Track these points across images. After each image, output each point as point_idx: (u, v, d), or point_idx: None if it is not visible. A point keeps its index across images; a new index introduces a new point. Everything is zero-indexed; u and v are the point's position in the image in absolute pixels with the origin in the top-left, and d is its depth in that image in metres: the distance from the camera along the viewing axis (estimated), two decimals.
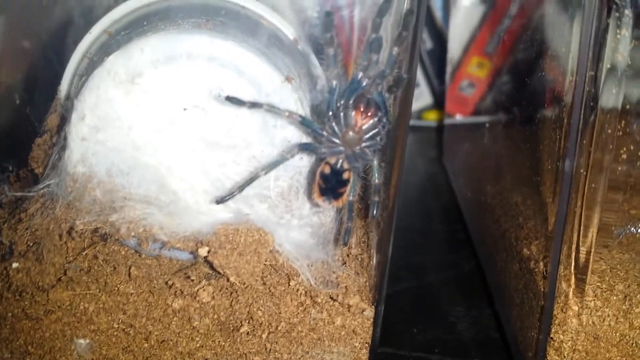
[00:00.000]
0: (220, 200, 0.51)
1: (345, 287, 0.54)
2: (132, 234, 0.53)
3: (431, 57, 1.31)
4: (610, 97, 0.47)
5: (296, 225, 0.56)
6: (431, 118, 1.29)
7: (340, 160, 0.50)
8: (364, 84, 0.49)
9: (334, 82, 0.49)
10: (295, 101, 0.54)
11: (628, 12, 0.44)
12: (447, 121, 1.15)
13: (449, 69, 1.14)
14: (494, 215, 0.74)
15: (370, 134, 0.50)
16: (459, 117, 1.13)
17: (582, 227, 0.50)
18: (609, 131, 0.46)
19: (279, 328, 0.54)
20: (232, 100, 0.49)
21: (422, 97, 1.31)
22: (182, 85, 0.53)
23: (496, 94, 0.90)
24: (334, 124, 0.50)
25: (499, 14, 1.00)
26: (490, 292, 0.75)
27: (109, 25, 0.61)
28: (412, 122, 1.27)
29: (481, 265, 0.80)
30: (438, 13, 1.30)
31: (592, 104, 0.47)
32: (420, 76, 1.31)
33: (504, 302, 0.69)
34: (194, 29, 0.54)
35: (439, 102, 1.28)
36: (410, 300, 0.76)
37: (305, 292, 0.54)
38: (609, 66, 0.46)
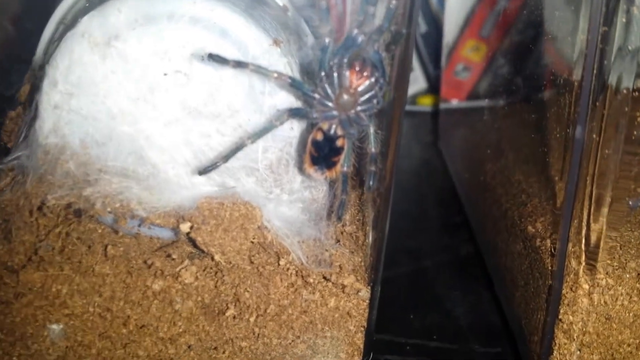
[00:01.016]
0: (202, 171, 0.47)
1: (339, 266, 0.50)
2: (108, 209, 0.49)
3: (425, 41, 1.28)
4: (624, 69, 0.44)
5: (286, 200, 0.52)
6: (426, 103, 1.26)
7: (334, 126, 0.47)
8: (359, 40, 0.45)
9: (327, 39, 0.45)
10: (285, 66, 0.50)
11: None
12: (443, 105, 1.12)
13: (444, 52, 1.11)
14: (494, 195, 0.71)
15: (366, 96, 0.46)
16: (455, 102, 1.11)
17: (593, 199, 0.46)
18: (624, 92, 0.42)
19: (268, 311, 0.50)
20: (214, 58, 0.45)
21: (416, 82, 1.28)
22: (163, 48, 0.49)
23: (495, 74, 0.88)
24: (326, 85, 0.46)
25: None
26: (489, 276, 0.72)
27: None
28: (406, 107, 1.28)
29: (479, 248, 0.78)
30: None
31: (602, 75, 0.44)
32: (414, 61, 1.28)
33: (505, 285, 0.66)
34: None
35: (433, 87, 1.26)
36: (406, 285, 0.74)
37: (296, 272, 0.50)
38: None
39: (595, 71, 0.43)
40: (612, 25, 0.44)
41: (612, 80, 0.45)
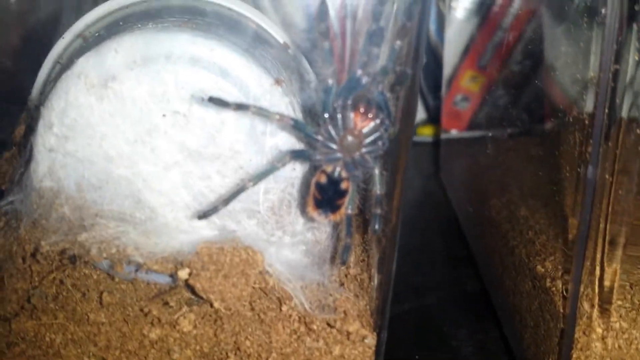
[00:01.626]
0: (202, 215, 0.46)
1: (344, 311, 0.48)
2: (104, 255, 0.47)
3: (424, 72, 1.28)
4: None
5: (288, 243, 0.50)
6: (426, 133, 1.26)
7: (338, 168, 0.45)
8: (364, 81, 0.44)
9: (330, 80, 0.44)
10: (287, 105, 0.49)
11: None
12: (444, 136, 1.12)
13: (444, 83, 1.11)
14: (500, 230, 0.69)
15: (371, 138, 0.44)
16: (454, 132, 1.11)
17: (606, 240, 0.45)
18: (638, 131, 0.41)
19: (270, 359, 0.48)
20: (215, 101, 0.43)
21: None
22: (161, 89, 0.48)
23: (495, 107, 0.88)
24: (330, 127, 0.44)
25: (491, 27, 0.99)
26: (497, 314, 0.70)
27: (83, 28, 0.56)
28: None
29: (485, 284, 0.75)
30: (431, 26, 1.28)
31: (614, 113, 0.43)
32: None
33: (514, 325, 0.63)
34: (174, 28, 0.49)
35: (433, 117, 1.25)
36: (410, 323, 0.71)
37: (299, 318, 0.48)
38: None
39: (607, 110, 0.42)
40: (622, 61, 0.43)
41: (624, 117, 0.44)
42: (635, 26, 0.43)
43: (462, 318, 0.72)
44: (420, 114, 1.28)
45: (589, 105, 0.46)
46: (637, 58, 0.41)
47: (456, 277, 0.81)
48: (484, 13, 1.03)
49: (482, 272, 0.77)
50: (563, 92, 0.62)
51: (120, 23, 0.53)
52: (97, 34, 0.55)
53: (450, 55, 1.10)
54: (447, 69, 1.11)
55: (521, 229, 0.64)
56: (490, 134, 0.85)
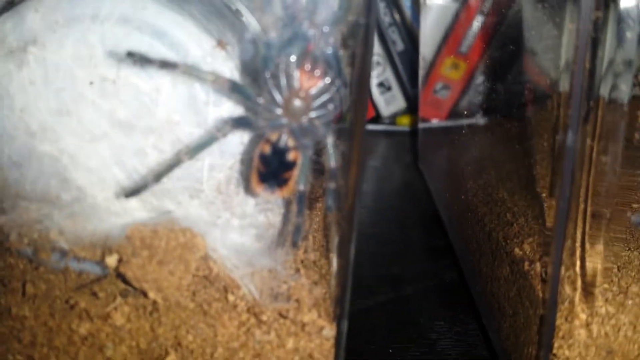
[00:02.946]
0: (130, 193, 0.40)
1: (298, 300, 0.43)
2: (25, 240, 0.42)
3: (403, 59, 1.25)
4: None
5: (237, 226, 0.45)
6: (405, 123, 1.24)
7: (284, 137, 0.40)
8: (310, 34, 0.38)
9: (272, 33, 0.38)
10: (231, 71, 0.44)
11: None
12: (422, 125, 1.08)
13: (421, 71, 1.08)
14: (477, 215, 0.65)
15: (320, 100, 0.39)
16: (435, 121, 1.08)
17: (589, 215, 0.40)
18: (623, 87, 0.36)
19: (216, 355, 0.43)
20: (135, 58, 0.38)
21: (395, 101, 1.25)
22: (87, 53, 0.43)
23: (475, 91, 0.85)
24: (272, 88, 0.39)
25: (471, 11, 0.97)
26: (476, 304, 0.66)
27: None
28: (385, 127, 1.25)
29: (464, 274, 0.71)
30: (408, 12, 1.25)
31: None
32: (392, 79, 1.24)
33: (492, 314, 0.59)
34: None
35: (412, 106, 1.22)
36: (385, 315, 0.68)
37: (248, 309, 0.43)
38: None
39: (588, 68, 0.37)
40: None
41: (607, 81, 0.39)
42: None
43: (440, 310, 0.69)
44: (400, 103, 1.25)
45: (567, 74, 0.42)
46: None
47: (434, 268, 0.78)
48: None
49: (461, 260, 0.73)
50: (543, 74, 0.59)
51: None
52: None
53: (427, 42, 1.07)
54: (423, 57, 1.08)
55: (499, 212, 0.60)
56: (470, 121, 0.82)
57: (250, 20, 0.45)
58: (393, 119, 1.24)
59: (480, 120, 0.77)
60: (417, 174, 1.04)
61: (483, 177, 0.67)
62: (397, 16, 1.23)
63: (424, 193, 0.97)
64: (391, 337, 0.63)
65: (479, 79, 0.90)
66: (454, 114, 1.02)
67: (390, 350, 0.61)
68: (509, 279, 0.53)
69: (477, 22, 0.97)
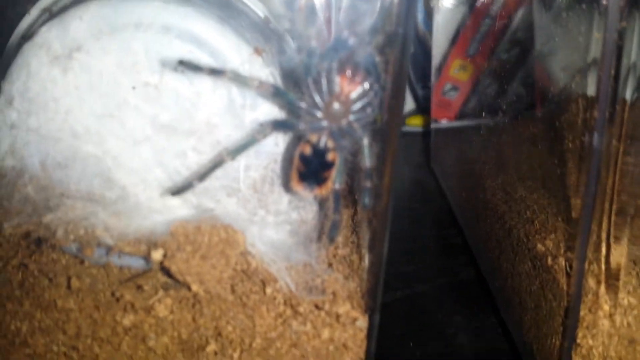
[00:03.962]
0: (175, 192, 0.42)
1: (333, 292, 0.45)
2: (72, 237, 0.44)
3: (412, 62, 1.26)
4: None
5: (272, 223, 0.47)
6: (415, 124, 1.24)
7: (324, 138, 0.42)
8: (351, 42, 0.40)
9: (313, 42, 0.40)
10: (267, 77, 0.46)
11: None
12: (434, 125, 1.09)
13: (433, 72, 1.09)
14: (496, 213, 0.66)
15: (359, 104, 0.41)
16: (445, 121, 1.09)
17: (614, 212, 0.41)
18: None
19: (254, 345, 0.45)
20: (187, 65, 0.40)
21: (405, 103, 1.26)
22: (130, 59, 0.44)
23: (485, 95, 0.86)
24: (314, 93, 0.41)
25: (479, 15, 0.98)
26: (493, 300, 0.68)
27: (50, 3, 0.52)
28: None
29: (480, 270, 0.73)
30: (419, 16, 1.27)
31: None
32: None
33: (512, 308, 0.61)
34: None
35: (422, 107, 1.23)
36: (404, 311, 0.69)
37: (285, 301, 0.45)
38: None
39: (613, 73, 0.39)
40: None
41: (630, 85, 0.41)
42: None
43: (457, 305, 0.70)
44: (409, 104, 1.26)
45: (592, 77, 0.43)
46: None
47: (450, 265, 0.79)
48: (472, 0, 1.02)
49: (478, 258, 0.74)
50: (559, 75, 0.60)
51: None
52: (63, 7, 0.51)
53: (439, 45, 1.08)
54: (435, 59, 1.10)
55: (519, 210, 0.61)
56: (481, 121, 0.83)
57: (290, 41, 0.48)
58: (403, 120, 1.25)
59: (496, 121, 0.78)
60: (428, 174, 1.05)
61: (501, 177, 0.69)
62: None
63: (437, 193, 0.98)
64: (411, 331, 0.65)
65: (487, 80, 0.91)
66: (462, 114, 1.03)
67: (411, 344, 0.62)
68: (530, 273, 0.55)
69: (485, 25, 0.97)
